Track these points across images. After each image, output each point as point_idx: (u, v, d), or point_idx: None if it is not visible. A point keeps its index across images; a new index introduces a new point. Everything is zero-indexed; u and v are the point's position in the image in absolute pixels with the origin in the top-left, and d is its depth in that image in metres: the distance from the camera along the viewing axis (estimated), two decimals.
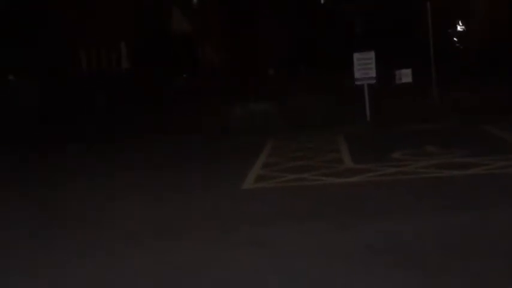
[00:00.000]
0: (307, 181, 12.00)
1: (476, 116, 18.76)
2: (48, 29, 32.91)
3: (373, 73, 19.44)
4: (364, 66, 19.42)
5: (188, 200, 11.24)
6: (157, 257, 7.99)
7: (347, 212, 9.62)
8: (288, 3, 49.70)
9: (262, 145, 16.84)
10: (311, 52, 47.52)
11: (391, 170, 12.37)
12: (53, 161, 17.16)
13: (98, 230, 9.55)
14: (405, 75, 20.14)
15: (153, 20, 39.70)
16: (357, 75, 19.59)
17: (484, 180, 11.13)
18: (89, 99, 29.76)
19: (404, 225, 8.54)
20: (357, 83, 19.78)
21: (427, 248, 7.59)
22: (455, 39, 49.97)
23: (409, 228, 8.40)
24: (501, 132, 15.96)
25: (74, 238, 9.18)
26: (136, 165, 15.42)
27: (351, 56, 20.05)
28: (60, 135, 21.86)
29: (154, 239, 8.83)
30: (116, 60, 38.19)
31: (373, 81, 19.57)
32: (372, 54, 19.49)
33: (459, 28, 51.12)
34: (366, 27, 49.60)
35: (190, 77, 39.42)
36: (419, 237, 8.08)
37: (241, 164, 14.09)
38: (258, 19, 49.13)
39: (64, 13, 34.39)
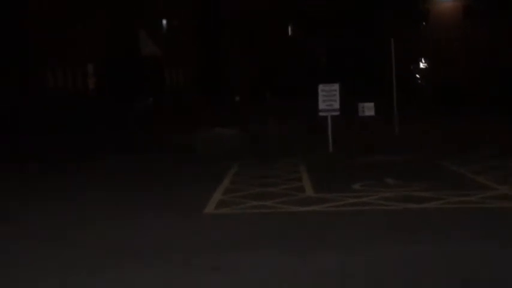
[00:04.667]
0: (267, 208, 12.22)
1: (435, 150, 19.22)
2: (19, 46, 32.99)
3: (337, 105, 19.66)
4: (329, 98, 19.68)
5: (149, 223, 11.40)
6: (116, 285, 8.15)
7: (303, 240, 9.87)
8: (255, 34, 50.38)
9: (225, 170, 17.04)
10: (277, 80, 48.07)
11: (350, 200, 12.67)
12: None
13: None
14: (368, 109, 20.52)
15: (121, 43, 39.85)
16: (321, 106, 19.79)
17: (438, 214, 11.48)
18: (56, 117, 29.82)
19: (355, 255, 8.84)
20: (321, 114, 19.98)
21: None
22: (417, 75, 51.03)
23: (358, 259, 8.70)
24: (458, 167, 16.39)
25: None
26: (95, 187, 15.54)
27: (315, 85, 20.32)
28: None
29: (115, 263, 8.96)
30: (82, 81, 38.21)
31: (337, 113, 19.80)
32: (336, 86, 19.74)
33: (421, 65, 52.20)
34: (331, 59, 50.43)
35: (156, 99, 39.56)
36: (366, 267, 8.37)
37: (204, 189, 14.27)
38: (226, 47, 49.61)
39: (35, 32, 34.45)
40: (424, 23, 53.12)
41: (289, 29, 58.56)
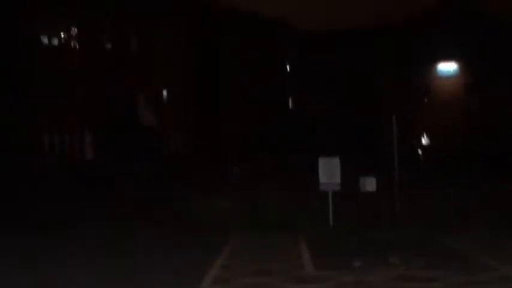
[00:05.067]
0: (266, 286, 11.89)
1: (438, 227, 18.89)
2: (15, 109, 33.15)
3: (338, 179, 19.03)
4: (329, 172, 19.08)
5: None
6: None
7: None
8: (253, 105, 50.95)
9: (223, 244, 16.71)
10: (276, 153, 48.05)
11: (350, 279, 12.33)
12: None
13: None
14: (369, 184, 20.16)
15: (120, 111, 40.02)
16: (321, 180, 19.18)
17: None
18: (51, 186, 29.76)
19: None
20: (322, 188, 19.31)
21: None
22: (419, 151, 51.04)
23: None
24: (461, 245, 16.07)
25: None
26: (90, 254, 15.19)
27: (315, 158, 19.91)
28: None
29: None
30: (79, 149, 38.20)
31: (338, 188, 19.17)
32: (337, 160, 19.18)
33: (423, 141, 52.33)
34: (331, 131, 50.53)
35: (154, 169, 39.45)
36: None
37: (201, 264, 13.94)
38: (225, 119, 49.96)
39: (32, 96, 34.65)
40: (426, 99, 53.40)
41: (290, 100, 59.01)
